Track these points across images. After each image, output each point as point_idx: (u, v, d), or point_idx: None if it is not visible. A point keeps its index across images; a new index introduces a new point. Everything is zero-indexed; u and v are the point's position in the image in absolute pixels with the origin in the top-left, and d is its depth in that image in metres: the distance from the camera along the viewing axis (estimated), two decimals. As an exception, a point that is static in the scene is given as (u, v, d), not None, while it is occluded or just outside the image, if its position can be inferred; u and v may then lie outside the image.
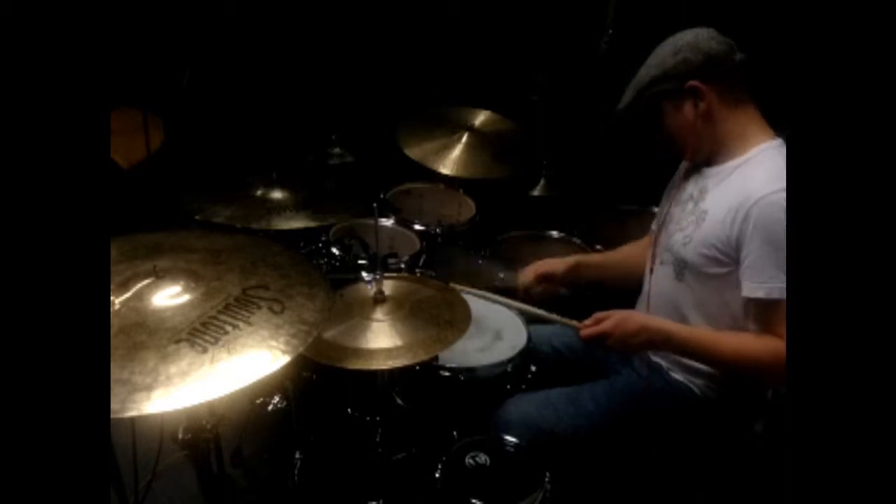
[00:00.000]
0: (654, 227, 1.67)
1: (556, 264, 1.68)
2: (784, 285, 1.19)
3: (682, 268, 1.40)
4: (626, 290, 1.64)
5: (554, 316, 1.46)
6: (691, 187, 1.45)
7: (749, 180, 1.28)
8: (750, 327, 1.30)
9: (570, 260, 1.70)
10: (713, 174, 1.40)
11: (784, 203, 1.18)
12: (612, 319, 1.33)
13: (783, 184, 1.20)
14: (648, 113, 1.41)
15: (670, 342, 1.33)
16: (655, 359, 1.50)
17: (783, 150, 1.31)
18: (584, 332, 1.36)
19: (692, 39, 1.33)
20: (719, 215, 1.31)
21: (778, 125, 1.38)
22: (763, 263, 1.22)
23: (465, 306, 1.42)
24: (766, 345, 1.24)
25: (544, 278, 1.67)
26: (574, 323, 1.40)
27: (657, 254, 1.51)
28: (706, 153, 1.41)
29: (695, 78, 1.32)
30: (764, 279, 1.22)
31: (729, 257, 1.29)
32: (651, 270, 1.51)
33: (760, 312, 1.26)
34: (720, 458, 1.49)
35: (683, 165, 1.55)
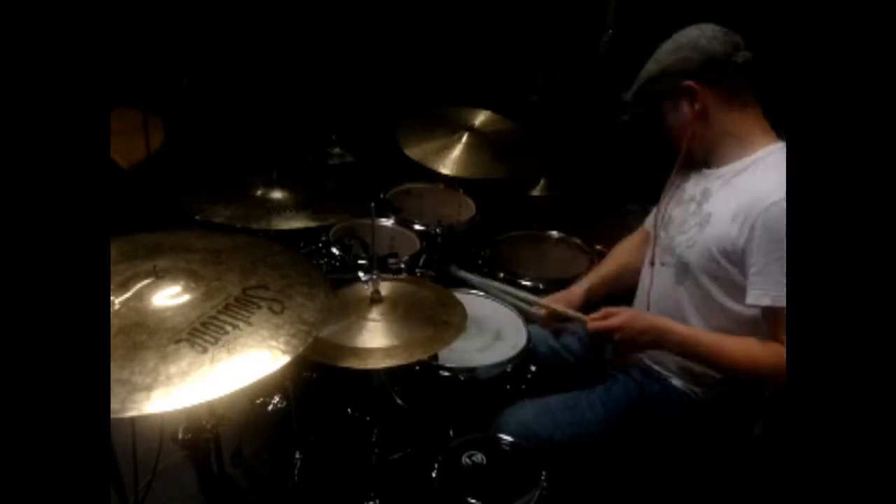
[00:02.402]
0: (648, 224, 1.66)
1: (571, 301, 1.58)
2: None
3: (684, 270, 1.39)
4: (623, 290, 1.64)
5: (560, 306, 1.45)
6: (692, 188, 1.44)
7: (755, 186, 1.27)
8: (746, 333, 1.29)
9: (579, 291, 1.62)
10: (716, 176, 1.38)
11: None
12: (622, 316, 1.32)
13: None
14: (649, 109, 1.41)
15: (680, 345, 1.32)
16: (653, 364, 1.50)
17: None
18: (592, 324, 1.34)
19: (694, 38, 1.32)
20: (725, 219, 1.29)
21: (782, 127, 1.37)
22: (770, 271, 1.20)
23: (461, 307, 1.42)
24: (770, 351, 1.23)
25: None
26: (581, 316, 1.40)
27: (657, 255, 1.50)
28: (704, 154, 1.40)
29: (691, 78, 1.31)
30: (770, 286, 1.21)
31: (733, 262, 1.28)
32: (651, 271, 1.51)
33: (766, 319, 1.26)
34: (717, 462, 1.48)
35: (676, 169, 1.54)
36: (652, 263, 1.50)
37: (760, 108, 1.36)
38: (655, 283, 1.49)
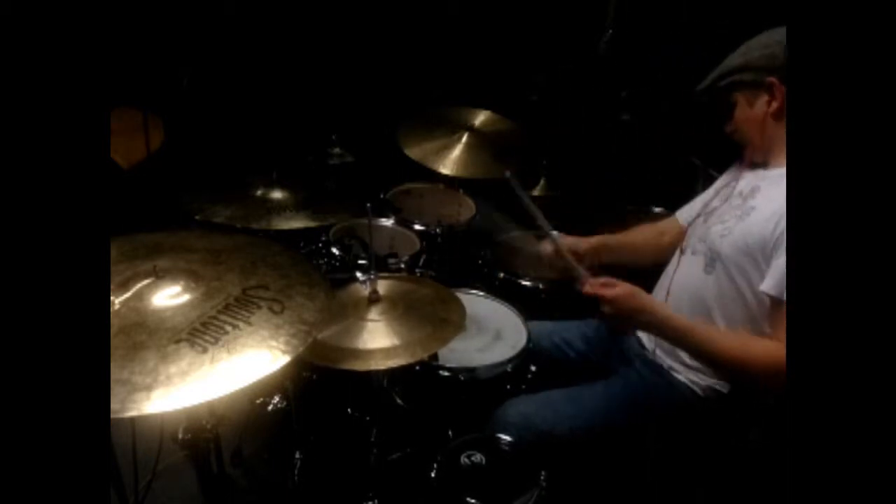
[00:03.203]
0: (679, 215, 1.69)
1: (578, 243, 1.65)
2: None
3: (713, 260, 1.39)
4: (644, 273, 1.61)
5: (568, 254, 1.45)
6: (743, 185, 1.44)
7: None
8: (765, 329, 1.29)
9: (594, 241, 1.67)
10: (768, 175, 1.38)
11: None
12: (620, 289, 1.29)
13: None
14: (723, 99, 1.40)
15: (668, 331, 1.31)
16: (656, 359, 1.50)
17: None
18: (588, 287, 1.32)
19: (782, 38, 1.30)
20: (766, 214, 1.29)
21: None
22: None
23: (459, 304, 1.42)
24: (765, 348, 1.22)
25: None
26: (581, 270, 1.38)
27: (688, 244, 1.51)
28: (765, 152, 1.40)
29: (776, 75, 1.30)
30: (783, 278, 1.20)
31: (763, 257, 1.28)
32: (678, 259, 1.50)
33: (772, 311, 1.26)
34: (720, 458, 1.48)
35: (733, 167, 1.55)
36: (682, 252, 1.51)
37: None
38: (680, 270, 1.49)
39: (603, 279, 1.33)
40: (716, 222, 1.43)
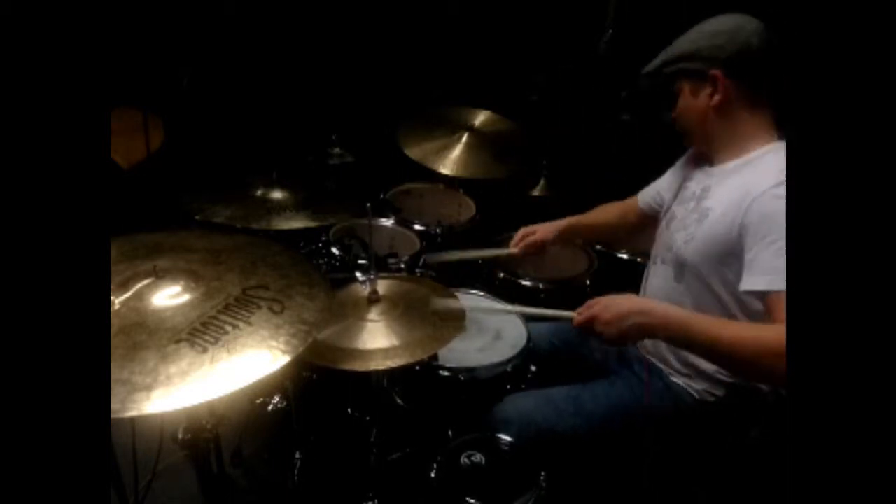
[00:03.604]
0: (641, 198, 1.70)
1: (546, 231, 1.69)
2: (784, 275, 1.13)
3: (682, 267, 1.38)
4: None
5: (549, 312, 1.41)
6: (694, 186, 1.44)
7: (749, 179, 1.26)
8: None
9: (562, 224, 1.71)
10: (716, 173, 1.38)
11: (782, 195, 1.16)
12: (602, 301, 1.23)
13: (782, 178, 1.18)
14: (667, 85, 1.38)
15: (669, 327, 1.18)
16: (655, 361, 1.50)
17: (783, 151, 1.30)
18: (577, 320, 1.27)
19: (735, 27, 1.28)
20: (721, 213, 1.29)
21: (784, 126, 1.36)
22: (764, 256, 1.18)
23: (459, 305, 1.42)
24: (769, 329, 1.12)
25: (535, 248, 1.69)
26: (569, 314, 1.33)
27: (657, 253, 1.50)
28: (708, 147, 1.40)
29: (721, 67, 1.28)
30: (766, 270, 1.17)
31: (731, 255, 1.27)
32: (649, 270, 1.50)
33: (765, 306, 1.20)
34: (718, 460, 1.48)
35: (685, 162, 1.55)
36: (654, 262, 1.51)
37: (772, 111, 1.34)
38: (652, 282, 1.49)
39: (585, 304, 1.27)
40: (678, 228, 1.42)
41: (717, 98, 1.30)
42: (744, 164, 1.33)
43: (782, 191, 1.18)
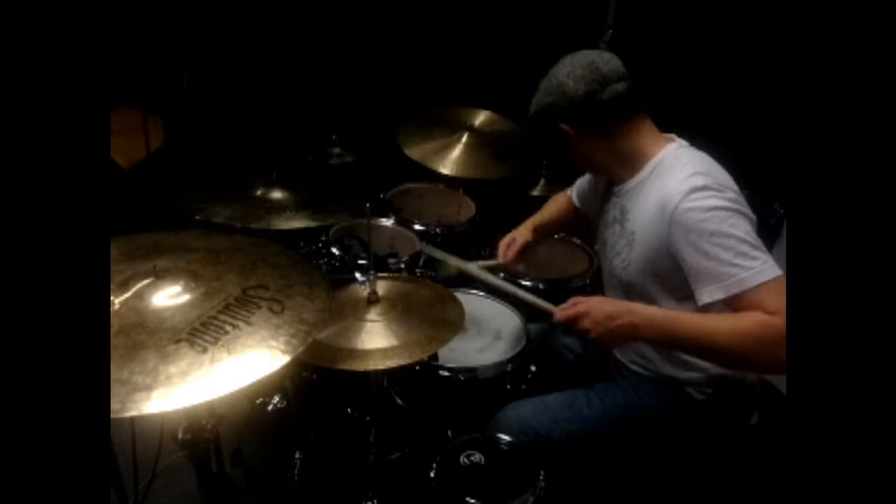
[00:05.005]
0: (574, 196, 1.75)
1: (523, 235, 1.71)
2: (737, 272, 1.14)
3: (629, 290, 1.40)
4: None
5: (531, 297, 1.43)
6: (612, 209, 1.46)
7: (659, 191, 1.27)
8: None
9: (531, 224, 1.75)
10: (624, 192, 1.40)
11: (692, 204, 1.18)
12: (590, 301, 1.26)
13: (686, 184, 1.20)
14: (546, 138, 1.42)
15: (654, 325, 1.22)
16: (648, 364, 1.49)
17: (681, 150, 1.33)
18: (559, 314, 1.29)
19: (561, 80, 1.32)
20: (646, 232, 1.30)
21: (672, 128, 1.39)
22: (707, 266, 1.17)
23: (459, 305, 1.42)
24: (752, 317, 1.14)
25: (522, 254, 1.70)
26: (550, 307, 1.35)
27: (606, 279, 1.52)
28: (608, 174, 1.45)
29: (563, 122, 1.33)
30: (716, 279, 1.17)
31: (668, 269, 1.27)
32: (606, 291, 1.52)
33: (730, 309, 1.20)
34: (714, 459, 1.48)
35: (591, 184, 1.62)
36: (605, 290, 1.53)
37: (648, 120, 1.36)
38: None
39: (571, 300, 1.30)
40: (614, 255, 1.43)
41: (578, 146, 1.36)
42: (646, 176, 1.34)
43: (692, 198, 1.19)
